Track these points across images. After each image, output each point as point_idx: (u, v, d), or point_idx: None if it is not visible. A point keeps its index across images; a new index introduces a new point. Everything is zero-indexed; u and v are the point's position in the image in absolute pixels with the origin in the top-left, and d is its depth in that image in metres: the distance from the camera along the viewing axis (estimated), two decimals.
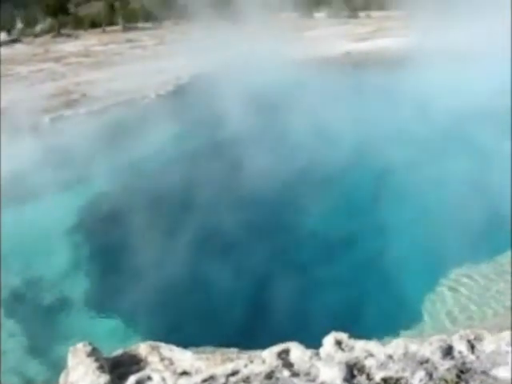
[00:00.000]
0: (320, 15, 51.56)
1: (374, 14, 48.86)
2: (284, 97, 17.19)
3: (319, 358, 5.10)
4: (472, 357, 5.12)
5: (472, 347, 5.25)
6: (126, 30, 50.64)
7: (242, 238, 9.70)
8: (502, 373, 4.85)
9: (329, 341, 5.24)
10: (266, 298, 7.94)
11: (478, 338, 5.37)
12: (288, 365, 5.11)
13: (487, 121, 14.78)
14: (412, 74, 20.05)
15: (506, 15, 22.64)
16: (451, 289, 7.74)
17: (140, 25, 52.63)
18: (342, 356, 5.05)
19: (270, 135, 14.34)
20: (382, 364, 4.95)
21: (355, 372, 4.86)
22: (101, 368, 4.96)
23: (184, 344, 5.81)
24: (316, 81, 19.35)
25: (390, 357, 5.04)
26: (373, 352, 5.07)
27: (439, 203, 10.87)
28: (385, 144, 14.01)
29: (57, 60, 32.78)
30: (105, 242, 10.70)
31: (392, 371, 4.85)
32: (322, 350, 5.20)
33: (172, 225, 10.60)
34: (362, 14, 50.44)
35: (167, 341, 6.29)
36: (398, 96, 18.32)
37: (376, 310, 7.25)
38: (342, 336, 5.26)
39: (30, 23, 58.06)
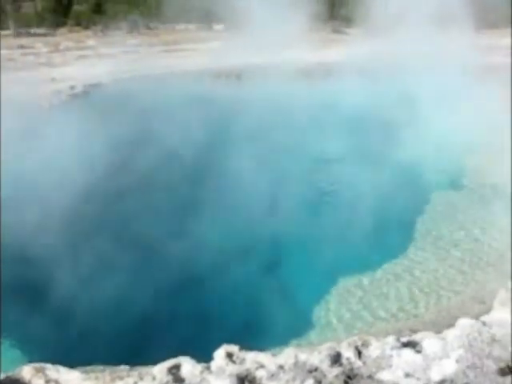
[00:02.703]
0: (219, 27, 51.82)
1: None
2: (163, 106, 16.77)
3: (210, 372, 5.04)
4: (359, 362, 5.28)
5: (359, 353, 5.43)
6: (18, 35, 48.40)
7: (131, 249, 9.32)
8: (386, 376, 5.05)
9: (220, 354, 5.19)
10: (156, 312, 7.73)
11: (365, 344, 5.55)
12: (179, 380, 5.01)
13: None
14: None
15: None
16: (342, 295, 7.98)
17: (33, 30, 50.48)
18: (233, 368, 5.02)
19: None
20: (272, 375, 4.97)
21: None
22: None
23: (72, 363, 5.54)
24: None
25: (281, 367, 5.08)
26: (264, 363, 5.09)
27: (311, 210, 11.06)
28: None
29: None
30: None
31: (282, 381, 4.89)
32: (214, 364, 5.14)
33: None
34: None
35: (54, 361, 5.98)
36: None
37: (267, 319, 7.29)
38: (233, 348, 5.23)
39: None
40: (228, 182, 12.29)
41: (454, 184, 12.51)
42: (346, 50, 25.30)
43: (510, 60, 20.23)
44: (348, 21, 33.60)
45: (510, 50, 22.45)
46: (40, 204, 10.27)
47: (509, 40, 24.64)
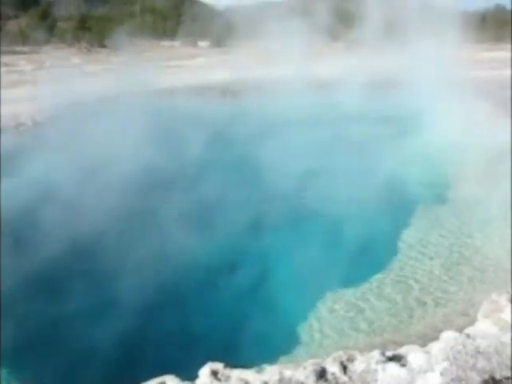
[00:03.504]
0: (203, 44, 51.96)
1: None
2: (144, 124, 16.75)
3: None
4: (344, 378, 5.28)
5: (344, 368, 5.43)
6: (1, 53, 48.19)
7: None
8: None
9: (205, 371, 5.17)
10: (142, 329, 7.66)
11: (350, 359, 5.56)
12: None
13: None
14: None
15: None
16: (327, 311, 7.96)
17: (18, 48, 50.36)
18: None
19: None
20: None
21: None
22: None
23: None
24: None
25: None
26: (249, 380, 5.08)
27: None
28: None
29: None
30: None
31: None
32: (198, 381, 5.12)
33: None
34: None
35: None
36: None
37: (253, 336, 7.26)
38: (218, 366, 5.21)
39: None
40: None
41: None
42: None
43: (489, 73, 20.72)
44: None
45: (492, 64, 23.02)
46: None
47: (493, 54, 25.32)
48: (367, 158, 14.93)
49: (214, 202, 11.81)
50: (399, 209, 11.76)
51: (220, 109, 22.26)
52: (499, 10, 54.75)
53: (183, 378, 5.15)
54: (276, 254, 9.87)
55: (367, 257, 9.60)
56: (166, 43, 43.36)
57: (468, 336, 5.74)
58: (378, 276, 8.96)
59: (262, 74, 25.56)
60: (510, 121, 15.13)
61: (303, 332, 7.48)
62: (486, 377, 5.05)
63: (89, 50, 38.87)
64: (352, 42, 27.90)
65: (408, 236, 10.47)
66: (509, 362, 5.19)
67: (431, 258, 9.51)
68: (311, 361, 5.42)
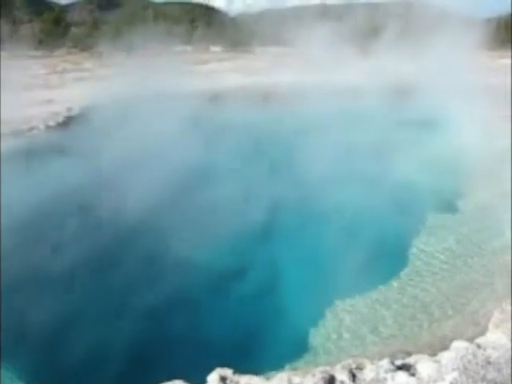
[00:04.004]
0: (216, 49, 52.14)
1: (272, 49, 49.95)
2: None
3: None
4: None
5: (353, 376, 5.40)
6: (16, 56, 48.63)
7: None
8: None
9: (213, 377, 5.16)
10: (151, 333, 7.69)
11: (359, 367, 5.53)
12: None
13: None
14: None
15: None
16: (336, 319, 7.93)
17: (31, 53, 50.83)
18: None
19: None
20: None
21: None
22: None
23: None
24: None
25: None
26: None
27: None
28: None
29: None
30: None
31: None
32: None
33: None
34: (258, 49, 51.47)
35: None
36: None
37: (262, 342, 7.25)
38: (227, 372, 5.20)
39: None
40: None
41: None
42: None
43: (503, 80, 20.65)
44: None
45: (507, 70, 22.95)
46: None
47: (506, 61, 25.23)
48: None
49: None
50: None
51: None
52: None
53: (192, 383, 5.15)
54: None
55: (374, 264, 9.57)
56: (178, 48, 43.49)
57: (479, 346, 5.68)
58: (388, 282, 8.94)
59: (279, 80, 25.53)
60: None
61: (312, 339, 7.46)
62: None
63: (101, 55, 39.10)
64: (369, 49, 27.93)
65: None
66: None
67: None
68: (320, 368, 5.40)
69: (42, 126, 18.39)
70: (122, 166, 13.47)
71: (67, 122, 19.08)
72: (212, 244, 10.10)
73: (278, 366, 6.08)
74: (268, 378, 5.18)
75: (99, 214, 11.46)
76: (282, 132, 19.21)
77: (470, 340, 5.92)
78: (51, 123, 18.73)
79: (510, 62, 28.76)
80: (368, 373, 5.37)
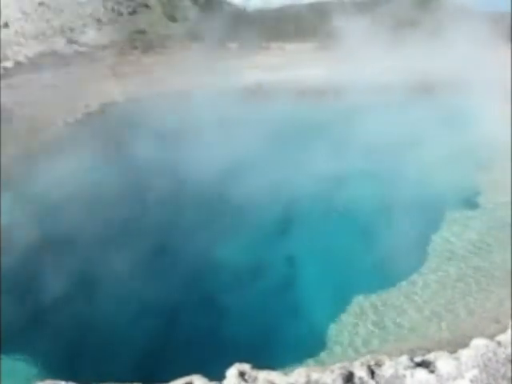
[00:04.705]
0: (233, 45, 51.64)
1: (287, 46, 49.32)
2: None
3: None
4: (372, 382, 5.22)
5: (372, 373, 5.36)
6: None
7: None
8: None
9: (232, 372, 5.16)
10: (171, 330, 7.74)
11: (378, 364, 5.48)
12: None
13: None
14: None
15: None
16: (356, 316, 7.89)
17: None
18: None
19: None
20: None
21: None
22: None
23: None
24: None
25: None
26: (275, 382, 5.06)
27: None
28: None
29: None
30: None
31: None
32: (226, 382, 5.12)
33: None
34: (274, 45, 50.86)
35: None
36: None
37: (281, 338, 7.25)
38: (245, 367, 5.20)
39: None
40: None
41: None
42: None
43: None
44: None
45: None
46: None
47: None
48: None
49: None
50: None
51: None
52: None
53: (211, 379, 5.15)
54: None
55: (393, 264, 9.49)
56: (195, 45, 43.17)
57: (499, 344, 5.60)
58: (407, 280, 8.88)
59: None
60: None
61: (332, 335, 7.45)
62: None
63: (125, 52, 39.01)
64: (392, 44, 27.51)
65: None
66: None
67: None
68: (339, 364, 5.37)
69: (60, 123, 18.55)
70: None
71: (85, 119, 19.18)
72: None
73: (295, 361, 6.07)
74: (286, 374, 5.17)
75: None
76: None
77: (491, 337, 5.84)
78: (70, 120, 18.89)
79: None
80: (387, 369, 5.32)
